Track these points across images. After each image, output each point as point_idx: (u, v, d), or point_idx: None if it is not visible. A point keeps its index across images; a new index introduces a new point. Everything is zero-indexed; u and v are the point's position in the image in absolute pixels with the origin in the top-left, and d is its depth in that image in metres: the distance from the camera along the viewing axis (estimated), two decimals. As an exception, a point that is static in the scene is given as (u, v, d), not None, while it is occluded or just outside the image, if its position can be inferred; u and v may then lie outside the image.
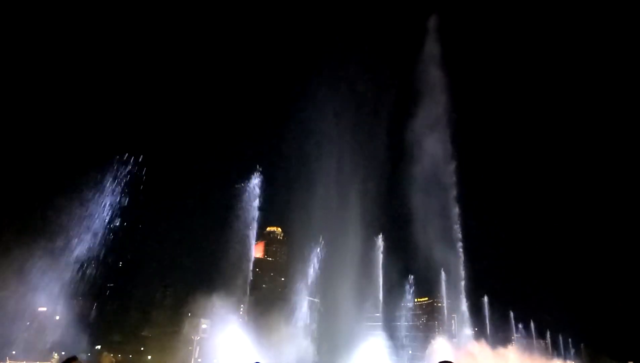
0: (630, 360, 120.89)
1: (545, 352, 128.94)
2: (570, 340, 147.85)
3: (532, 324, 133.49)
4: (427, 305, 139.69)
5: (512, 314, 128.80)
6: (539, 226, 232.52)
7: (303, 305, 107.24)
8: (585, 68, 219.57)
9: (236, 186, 64.84)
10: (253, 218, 65.89)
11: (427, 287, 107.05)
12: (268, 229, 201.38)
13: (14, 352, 68.50)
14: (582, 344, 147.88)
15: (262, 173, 68.52)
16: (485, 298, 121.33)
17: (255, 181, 67.52)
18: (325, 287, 77.94)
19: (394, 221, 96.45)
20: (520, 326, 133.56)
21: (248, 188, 65.85)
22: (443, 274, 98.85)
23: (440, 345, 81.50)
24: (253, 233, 66.40)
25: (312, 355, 77.16)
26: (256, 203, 65.78)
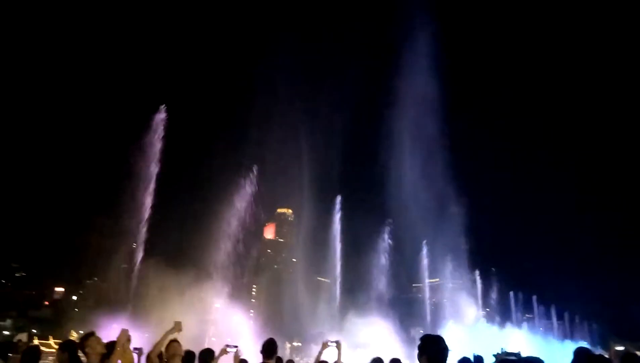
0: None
1: (556, 331, 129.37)
2: (581, 319, 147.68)
3: (537, 303, 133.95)
4: (437, 286, 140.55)
5: (521, 294, 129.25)
6: (545, 203, 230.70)
7: (313, 285, 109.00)
8: (586, 61, 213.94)
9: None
10: (261, 200, 66.46)
11: (436, 268, 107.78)
12: (279, 210, 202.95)
13: (34, 331, 70.99)
14: (593, 324, 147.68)
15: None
16: (495, 278, 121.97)
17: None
18: (334, 267, 79.13)
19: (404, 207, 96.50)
20: (530, 306, 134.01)
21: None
22: (450, 255, 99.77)
23: (450, 326, 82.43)
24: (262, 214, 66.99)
25: (321, 335, 78.55)
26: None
